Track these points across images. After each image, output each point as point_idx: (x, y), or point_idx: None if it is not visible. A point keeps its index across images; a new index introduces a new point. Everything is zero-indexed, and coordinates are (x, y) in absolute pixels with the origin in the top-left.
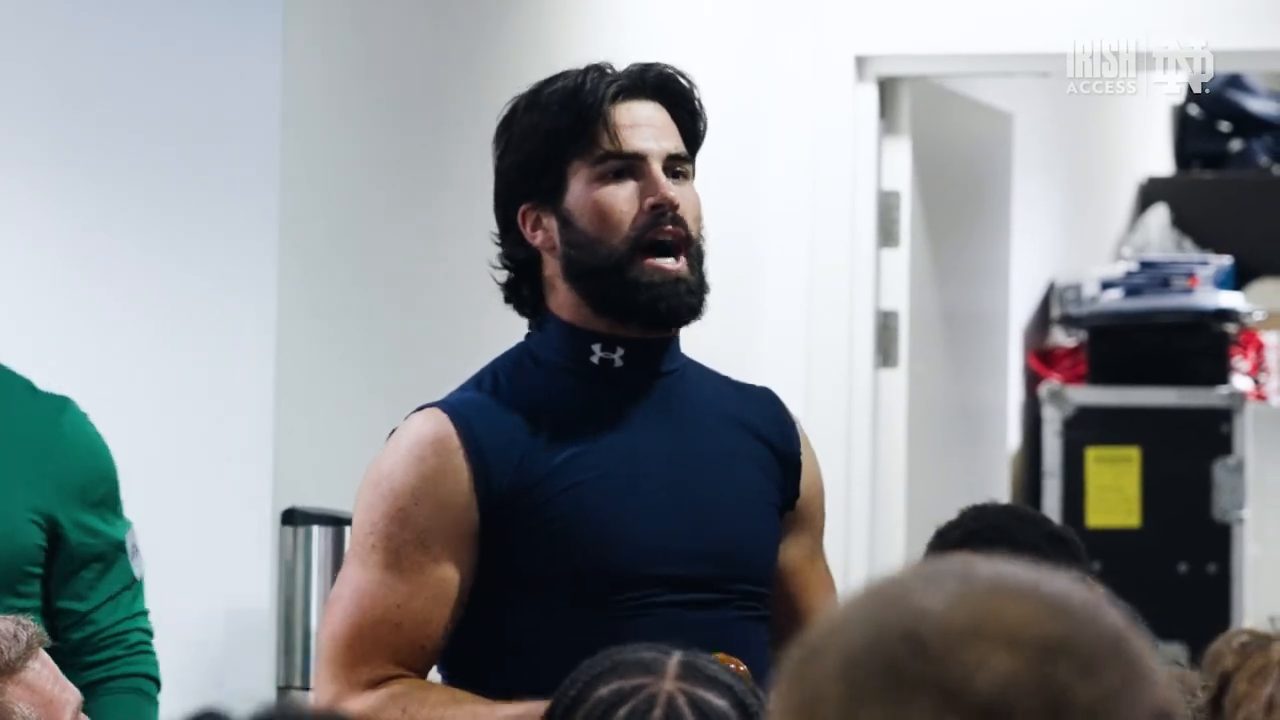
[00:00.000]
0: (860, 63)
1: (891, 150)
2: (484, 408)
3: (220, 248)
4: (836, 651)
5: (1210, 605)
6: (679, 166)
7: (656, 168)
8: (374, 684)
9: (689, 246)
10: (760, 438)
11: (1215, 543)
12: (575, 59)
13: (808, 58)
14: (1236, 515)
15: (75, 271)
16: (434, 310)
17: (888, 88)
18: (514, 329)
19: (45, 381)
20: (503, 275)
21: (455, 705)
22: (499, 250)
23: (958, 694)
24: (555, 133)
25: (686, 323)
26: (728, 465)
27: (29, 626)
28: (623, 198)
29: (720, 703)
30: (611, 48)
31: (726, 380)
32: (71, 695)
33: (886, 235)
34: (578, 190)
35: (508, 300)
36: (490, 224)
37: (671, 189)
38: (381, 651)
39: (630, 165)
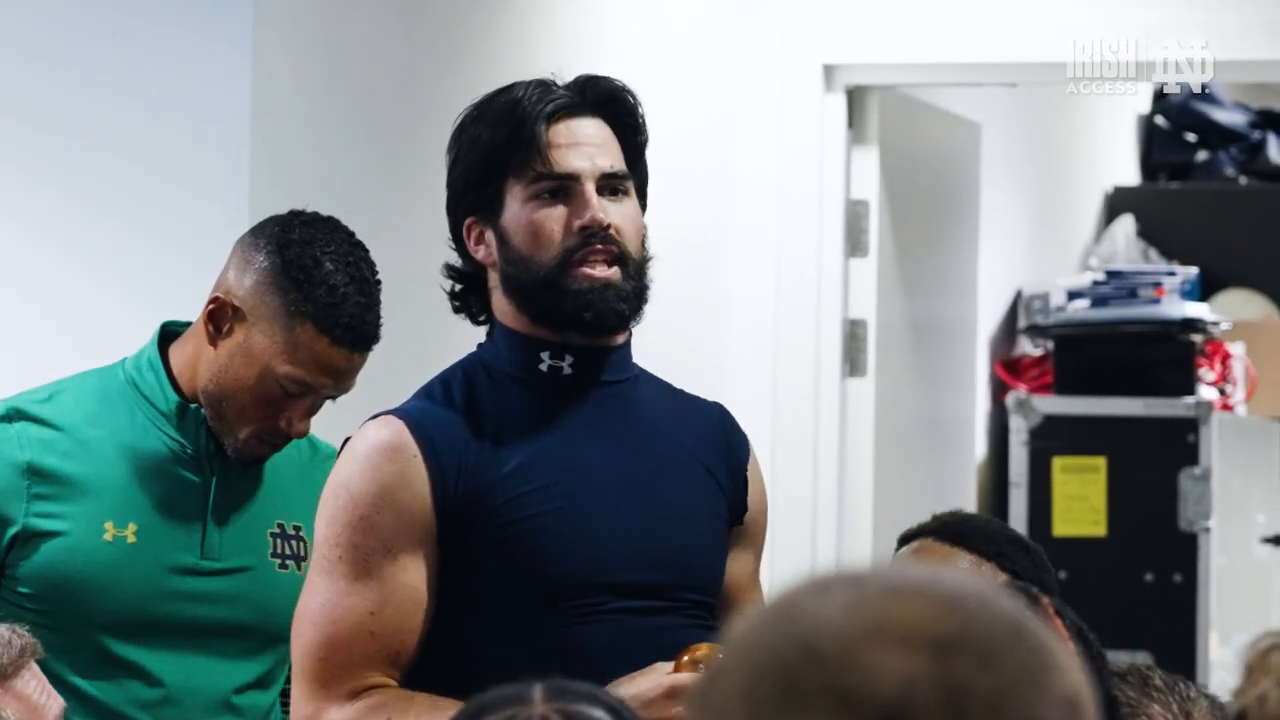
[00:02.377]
0: (828, 72)
1: (859, 160)
2: (436, 415)
3: (190, 254)
4: (737, 670)
5: (1176, 614)
6: (617, 184)
7: (589, 188)
8: (353, 694)
9: (625, 264)
10: (710, 450)
11: (1181, 552)
12: (544, 70)
13: (775, 67)
14: (1202, 525)
15: (44, 281)
16: (405, 314)
17: (856, 97)
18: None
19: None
20: (449, 284)
21: (438, 711)
22: (449, 259)
23: (857, 700)
24: (493, 149)
25: (616, 330)
26: (677, 475)
27: (23, 635)
28: (554, 218)
29: (594, 711)
30: (580, 58)
31: (680, 393)
32: (54, 703)
33: (854, 245)
34: (513, 208)
35: (457, 310)
36: None
37: (602, 210)
38: (357, 661)
39: (563, 186)
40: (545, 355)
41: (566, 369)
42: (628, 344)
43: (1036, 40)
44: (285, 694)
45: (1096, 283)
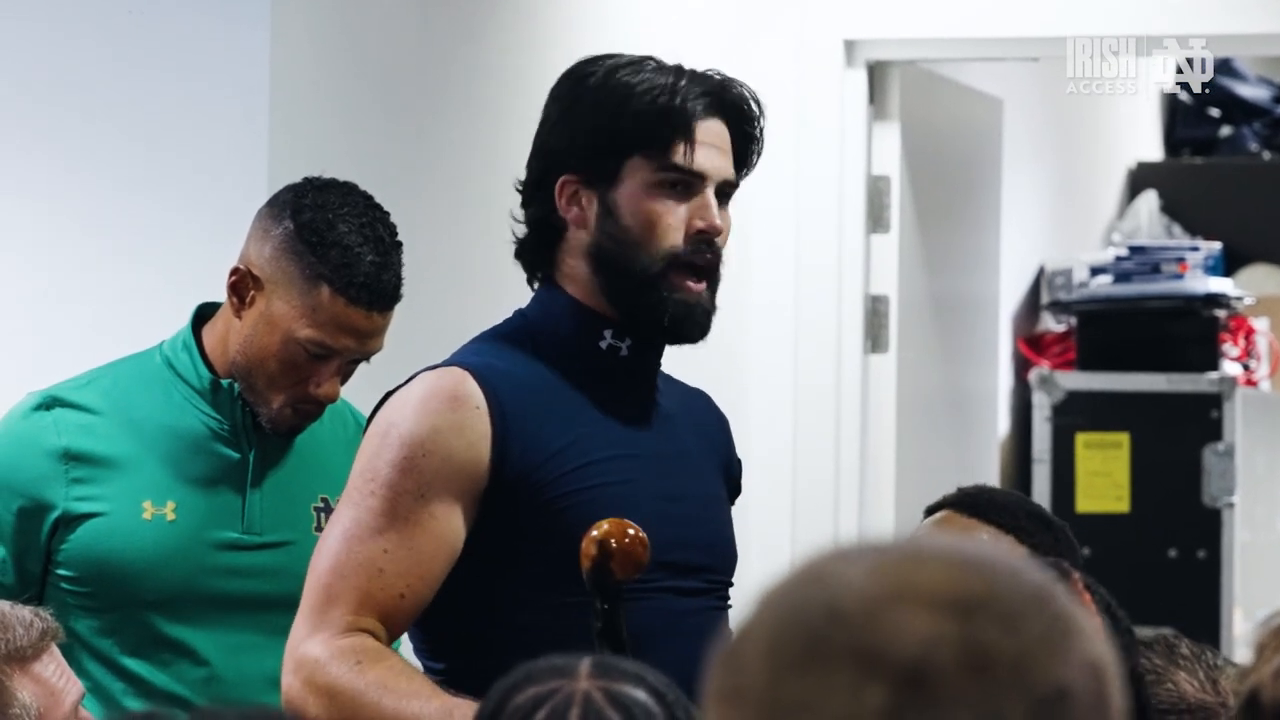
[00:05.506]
0: (849, 47)
1: (881, 135)
2: (501, 372)
3: (208, 232)
4: (761, 631)
5: (1199, 590)
6: (727, 191)
7: (711, 192)
8: (343, 629)
9: (713, 276)
10: (710, 440)
11: (1205, 528)
12: (562, 49)
13: (796, 43)
14: (1226, 501)
15: (60, 259)
16: (421, 299)
17: (877, 72)
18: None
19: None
20: (519, 229)
21: (406, 677)
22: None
23: (879, 659)
24: (632, 123)
25: (694, 342)
26: (701, 464)
27: (46, 619)
28: (676, 213)
29: (637, 693)
30: (598, 34)
31: (673, 381)
32: (74, 688)
33: (876, 220)
34: (632, 188)
35: (518, 256)
36: (474, 210)
37: (719, 217)
38: (357, 595)
39: (689, 181)
40: (608, 333)
41: (624, 350)
42: None
43: (1062, 13)
44: None
45: (1119, 258)
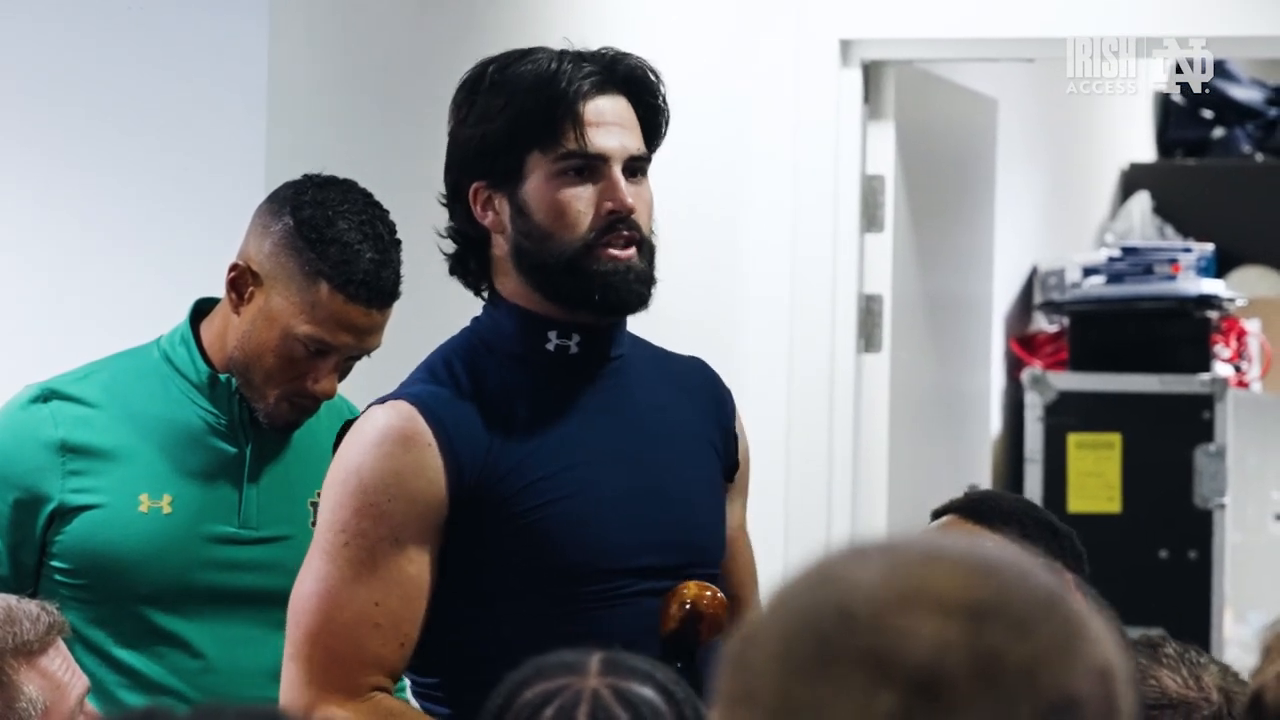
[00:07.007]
0: (845, 47)
1: (876, 135)
2: (448, 400)
3: (205, 227)
4: (773, 633)
5: (1191, 591)
6: (637, 166)
7: (617, 170)
8: (353, 690)
9: (640, 247)
10: (703, 415)
11: (1196, 529)
12: (559, 43)
13: (791, 42)
14: (1217, 502)
15: (58, 254)
16: (420, 296)
17: (872, 72)
18: None
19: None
20: (449, 245)
21: None
22: (447, 219)
23: (890, 664)
24: (520, 119)
25: (634, 311)
26: (680, 448)
27: (53, 613)
28: (582, 198)
29: (645, 690)
30: (595, 32)
31: (661, 351)
32: (79, 682)
33: (870, 220)
34: (536, 182)
35: (453, 272)
36: None
37: (629, 195)
38: (360, 653)
39: (591, 164)
40: (553, 334)
41: (573, 348)
42: (625, 319)
43: (1057, 14)
44: None
45: (1112, 259)
